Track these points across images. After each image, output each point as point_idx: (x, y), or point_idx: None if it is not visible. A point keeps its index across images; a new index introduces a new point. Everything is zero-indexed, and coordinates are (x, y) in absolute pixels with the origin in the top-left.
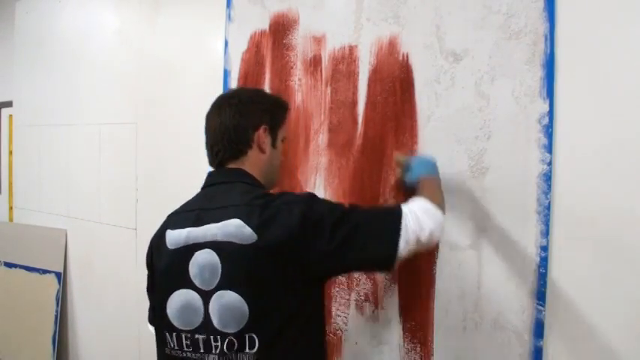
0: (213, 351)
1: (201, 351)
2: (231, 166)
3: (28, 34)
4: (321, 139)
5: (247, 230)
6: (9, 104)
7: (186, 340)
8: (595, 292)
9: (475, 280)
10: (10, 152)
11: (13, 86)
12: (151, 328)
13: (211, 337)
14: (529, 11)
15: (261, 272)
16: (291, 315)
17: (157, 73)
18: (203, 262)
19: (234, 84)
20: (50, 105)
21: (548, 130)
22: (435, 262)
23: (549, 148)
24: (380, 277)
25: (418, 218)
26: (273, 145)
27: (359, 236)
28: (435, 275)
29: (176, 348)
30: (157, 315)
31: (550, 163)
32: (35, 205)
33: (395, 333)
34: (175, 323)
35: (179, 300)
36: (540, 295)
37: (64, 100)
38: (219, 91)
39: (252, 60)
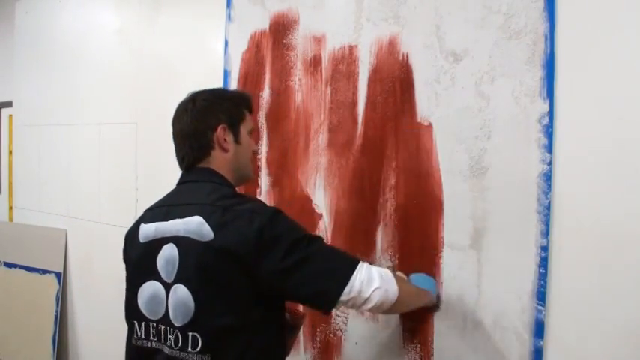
0: (168, 343)
1: (162, 341)
2: (200, 166)
3: (28, 34)
4: (321, 139)
5: (206, 228)
6: (9, 104)
7: (152, 329)
8: (595, 292)
9: (475, 280)
10: (10, 152)
11: (13, 86)
12: None
13: (169, 328)
14: (529, 11)
15: (211, 271)
16: (240, 324)
17: (156, 73)
18: (167, 255)
19: (234, 84)
20: (50, 105)
21: (548, 130)
22: (435, 262)
23: (549, 148)
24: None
25: (371, 279)
26: (237, 141)
27: (308, 267)
28: (435, 275)
29: (143, 337)
30: (129, 305)
31: (550, 163)
32: (35, 205)
33: (395, 333)
34: (145, 313)
35: (148, 291)
36: (540, 295)
37: (64, 100)
38: None
39: (252, 60)
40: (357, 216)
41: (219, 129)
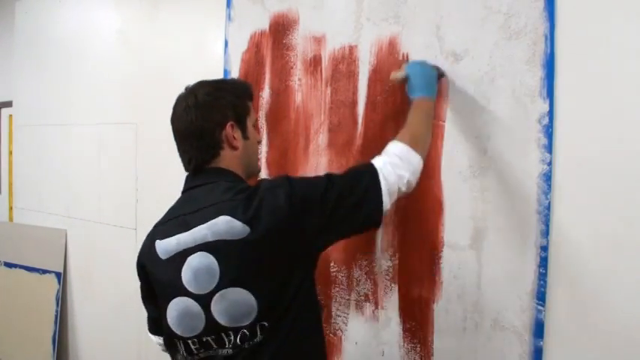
0: (227, 345)
1: (214, 347)
2: (210, 166)
3: (27, 34)
4: (321, 139)
5: (237, 224)
6: (9, 104)
7: (193, 345)
8: (595, 292)
9: (475, 280)
10: (10, 152)
11: (13, 86)
12: (153, 337)
13: (222, 334)
14: (529, 11)
15: (261, 262)
16: (294, 293)
17: (156, 73)
18: (197, 265)
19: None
20: (50, 105)
21: (548, 130)
22: (435, 262)
23: (549, 148)
24: (380, 277)
25: (395, 169)
26: (245, 136)
27: (346, 203)
28: (435, 275)
29: (186, 354)
30: (164, 325)
31: (550, 163)
32: (35, 205)
33: (395, 333)
34: (178, 332)
35: (176, 309)
36: (540, 295)
37: (65, 100)
38: None
39: (252, 60)
40: None
41: (228, 126)
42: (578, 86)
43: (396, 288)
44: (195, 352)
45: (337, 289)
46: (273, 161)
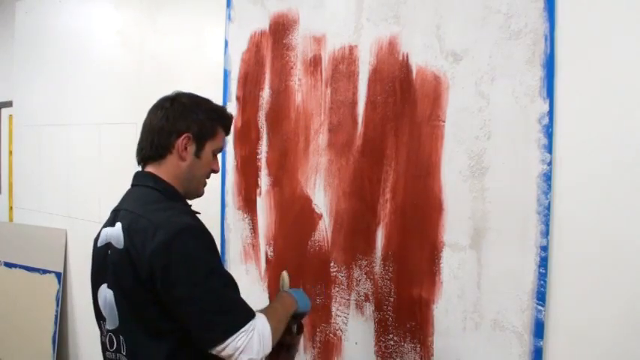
0: (107, 345)
1: (107, 341)
2: (148, 168)
3: (28, 34)
4: (321, 139)
5: (121, 236)
6: (9, 104)
7: (106, 331)
8: (595, 292)
9: (475, 280)
10: (10, 152)
11: (13, 86)
12: None
13: (106, 330)
14: (529, 11)
15: (125, 279)
16: (158, 333)
17: (156, 73)
18: (110, 259)
19: (234, 84)
20: (50, 105)
21: (548, 130)
22: (435, 262)
23: (549, 148)
24: (380, 277)
25: (251, 341)
26: (197, 154)
27: (194, 306)
28: (435, 275)
29: (104, 334)
30: (94, 307)
31: (550, 163)
32: (35, 205)
33: (395, 333)
34: (104, 315)
35: (103, 294)
36: (540, 295)
37: (64, 100)
38: (219, 91)
39: (252, 60)
40: (357, 216)
41: (184, 136)
42: (578, 86)
43: (396, 288)
44: (104, 333)
45: (337, 289)
46: (273, 161)
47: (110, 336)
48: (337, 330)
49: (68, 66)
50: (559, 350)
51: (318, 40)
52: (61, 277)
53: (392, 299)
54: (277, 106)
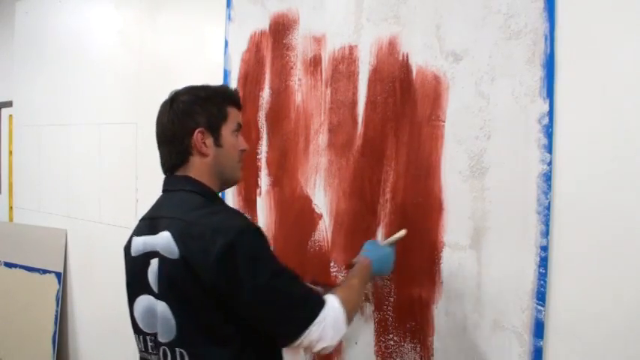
0: (156, 358)
1: (158, 355)
2: (179, 173)
3: (28, 34)
4: (321, 139)
5: (173, 244)
6: (9, 104)
7: (150, 342)
8: (595, 292)
9: (475, 280)
10: (10, 152)
11: (13, 86)
12: None
13: (157, 343)
14: (529, 11)
15: (184, 288)
16: (222, 339)
17: (156, 73)
18: (154, 270)
19: (234, 84)
20: (50, 105)
21: (548, 130)
22: (435, 262)
23: (549, 148)
24: (380, 277)
25: (324, 331)
26: (217, 144)
27: (268, 307)
28: (435, 275)
29: (144, 350)
30: (131, 318)
31: (550, 163)
32: (35, 205)
33: (395, 333)
34: (142, 326)
35: (142, 305)
36: (540, 295)
37: (64, 100)
38: None
39: (252, 60)
40: (357, 216)
41: (197, 133)
42: (578, 86)
43: (396, 288)
44: (149, 349)
45: None
46: (273, 161)
47: (164, 349)
48: None
49: (68, 66)
50: (559, 350)
51: (318, 40)
52: (61, 277)
53: (392, 299)
54: (277, 106)
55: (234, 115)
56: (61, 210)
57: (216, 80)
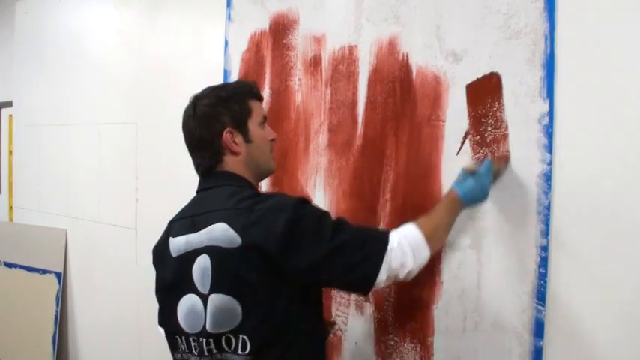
0: (205, 354)
1: (204, 354)
2: (217, 170)
3: (28, 34)
4: (321, 139)
5: (231, 234)
6: (9, 104)
7: (194, 342)
8: (595, 292)
9: (475, 280)
10: (10, 152)
11: (13, 86)
12: (161, 330)
13: (206, 339)
14: (529, 11)
15: (248, 275)
16: (284, 321)
17: (156, 73)
18: (202, 266)
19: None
20: (50, 105)
21: (548, 130)
22: (435, 262)
23: (549, 148)
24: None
25: (404, 254)
26: (247, 140)
27: (342, 257)
28: (435, 275)
29: (187, 351)
30: (167, 320)
31: (550, 163)
32: (35, 205)
33: (395, 333)
34: (184, 327)
35: (186, 305)
36: (540, 295)
37: (64, 100)
38: None
39: (252, 60)
40: (357, 216)
41: (225, 134)
42: (578, 86)
43: (396, 288)
44: (193, 349)
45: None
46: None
47: (227, 337)
48: (337, 330)
49: (68, 66)
50: (559, 350)
51: (318, 40)
52: (61, 277)
53: (392, 299)
54: (277, 106)
55: (257, 108)
56: (61, 210)
57: (216, 80)
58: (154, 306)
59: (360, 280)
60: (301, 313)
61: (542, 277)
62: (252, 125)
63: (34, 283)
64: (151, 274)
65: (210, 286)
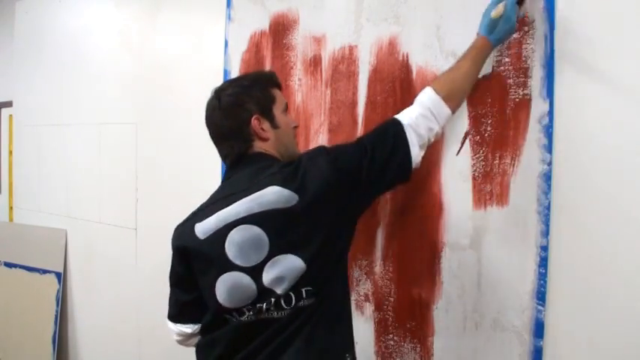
0: (276, 308)
1: (265, 311)
2: (249, 152)
3: (28, 34)
4: (321, 139)
5: (287, 193)
6: (9, 104)
7: (248, 311)
8: (595, 291)
9: (475, 280)
10: (10, 152)
11: (13, 86)
12: (172, 326)
13: (272, 299)
14: (529, 11)
15: (310, 228)
16: (337, 260)
17: (157, 72)
18: (241, 239)
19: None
20: (50, 105)
21: (549, 130)
22: (435, 262)
23: (549, 148)
24: (380, 277)
25: (427, 122)
26: (274, 125)
27: (376, 165)
28: (435, 275)
29: (239, 318)
30: (211, 303)
31: (550, 163)
32: (35, 205)
33: (395, 333)
34: (230, 305)
35: (225, 284)
36: (540, 295)
37: (64, 100)
38: None
39: (252, 60)
40: None
41: (253, 120)
42: (578, 86)
43: (396, 288)
44: (247, 315)
45: None
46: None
47: (288, 294)
48: None
49: (68, 66)
50: (559, 350)
51: (318, 40)
52: (61, 277)
53: (392, 299)
54: None
55: (279, 96)
56: (61, 210)
57: (216, 80)
58: (154, 305)
59: (399, 167)
60: (345, 260)
61: (542, 277)
62: (277, 111)
63: (34, 283)
64: (151, 274)
65: (269, 252)
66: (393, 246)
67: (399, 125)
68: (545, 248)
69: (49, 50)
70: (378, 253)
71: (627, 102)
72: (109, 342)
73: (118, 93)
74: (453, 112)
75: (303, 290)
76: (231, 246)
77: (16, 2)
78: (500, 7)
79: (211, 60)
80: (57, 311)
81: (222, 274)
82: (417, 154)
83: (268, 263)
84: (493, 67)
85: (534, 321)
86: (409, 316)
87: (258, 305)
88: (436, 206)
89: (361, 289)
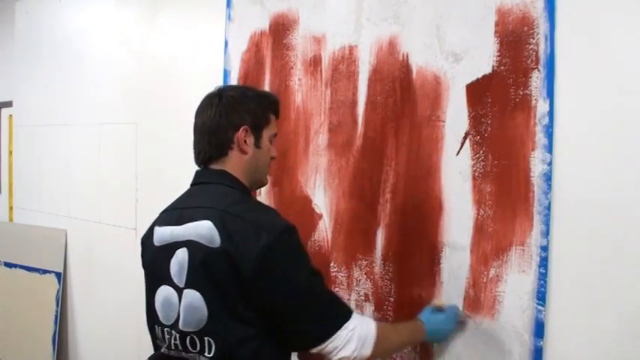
0: (173, 347)
1: (171, 347)
2: (214, 166)
3: (28, 34)
4: (321, 139)
5: (215, 234)
6: (9, 104)
7: (167, 334)
8: (595, 291)
9: (475, 280)
10: (10, 152)
11: (13, 86)
12: None
13: (177, 334)
14: (529, 11)
15: (221, 278)
16: (250, 332)
17: (156, 73)
18: (180, 260)
19: (233, 84)
20: (50, 105)
21: (549, 130)
22: (435, 262)
23: (549, 148)
24: (380, 277)
25: (350, 341)
26: (257, 144)
27: (298, 306)
28: (435, 275)
29: (162, 340)
30: (149, 309)
31: (550, 163)
32: (35, 205)
33: None
34: (161, 318)
35: (162, 295)
36: (540, 295)
37: (64, 100)
38: None
39: (252, 60)
40: (357, 216)
41: (242, 129)
42: (578, 86)
43: (396, 288)
44: (165, 341)
45: (337, 289)
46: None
47: (192, 337)
48: None
49: (68, 66)
50: (559, 350)
51: (318, 40)
52: (61, 277)
53: (392, 299)
54: None
55: (274, 122)
56: (61, 210)
57: (216, 80)
58: None
59: (304, 340)
60: (270, 333)
61: (542, 277)
62: (265, 135)
63: (34, 283)
64: None
65: (185, 280)
66: (393, 246)
67: (347, 317)
68: (545, 248)
69: (49, 50)
70: (378, 253)
71: (627, 101)
72: (109, 342)
73: (118, 93)
74: (371, 357)
75: (205, 340)
76: (174, 264)
77: (16, 2)
78: (442, 306)
79: (211, 60)
80: (57, 311)
81: (162, 284)
82: (326, 346)
83: (184, 292)
84: (493, 67)
85: (534, 321)
86: (409, 316)
87: (173, 331)
88: (436, 206)
89: (361, 289)
